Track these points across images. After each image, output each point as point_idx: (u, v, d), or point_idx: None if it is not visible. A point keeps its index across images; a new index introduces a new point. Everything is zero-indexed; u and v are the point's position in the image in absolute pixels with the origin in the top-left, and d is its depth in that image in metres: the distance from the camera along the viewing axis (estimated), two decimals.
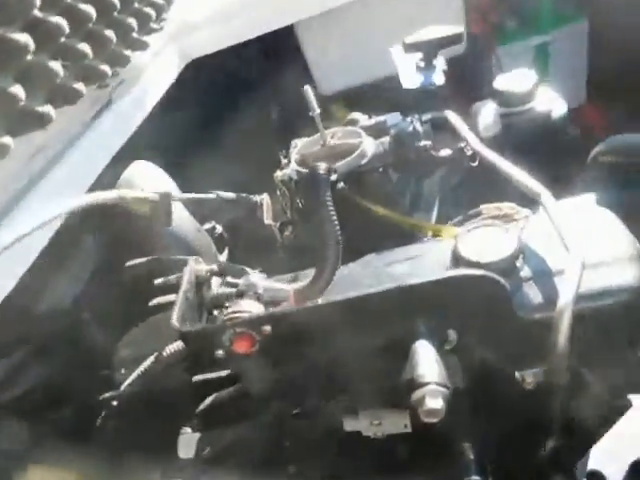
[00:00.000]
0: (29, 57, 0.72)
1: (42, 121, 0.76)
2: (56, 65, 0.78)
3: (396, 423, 0.60)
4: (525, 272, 0.69)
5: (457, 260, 0.71)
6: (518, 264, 0.69)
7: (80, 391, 0.93)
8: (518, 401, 0.63)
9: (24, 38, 0.70)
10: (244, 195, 1.19)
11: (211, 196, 1.10)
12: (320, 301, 0.61)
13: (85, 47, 0.88)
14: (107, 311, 1.08)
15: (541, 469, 0.67)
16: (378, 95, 1.75)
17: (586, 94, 1.83)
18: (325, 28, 1.89)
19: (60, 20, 0.81)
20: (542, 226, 0.76)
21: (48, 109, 0.77)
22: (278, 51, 1.98)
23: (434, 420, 0.50)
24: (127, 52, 1.10)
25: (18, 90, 0.68)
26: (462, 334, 0.60)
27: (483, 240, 0.73)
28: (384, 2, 1.81)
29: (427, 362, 0.53)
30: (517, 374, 0.62)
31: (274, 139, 1.84)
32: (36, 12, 0.76)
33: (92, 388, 0.78)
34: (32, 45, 0.71)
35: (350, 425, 0.62)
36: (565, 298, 0.58)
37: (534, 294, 0.66)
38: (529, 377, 0.63)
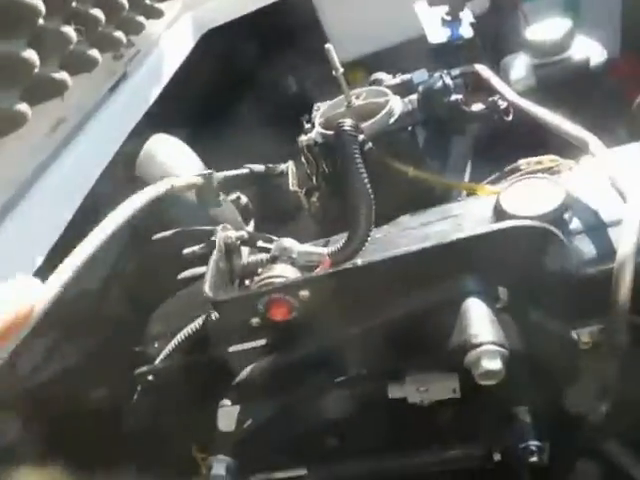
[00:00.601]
0: (40, 21, 0.69)
1: (59, 88, 0.74)
2: (69, 30, 0.75)
3: (444, 388, 0.57)
4: (575, 225, 0.65)
5: (500, 216, 0.67)
6: (566, 217, 0.65)
7: (114, 369, 0.92)
8: (574, 362, 0.59)
9: (35, 1, 0.67)
10: (270, 165, 1.16)
11: (245, 171, 1.08)
12: (359, 262, 0.57)
13: (97, 12, 0.84)
14: (138, 286, 1.06)
15: (595, 434, 0.64)
16: (400, 59, 1.69)
17: (620, 47, 1.74)
18: None
19: None
20: (589, 177, 0.72)
21: (64, 76, 0.74)
22: (295, 19, 1.92)
23: (491, 383, 0.47)
24: (141, 19, 1.06)
25: (31, 55, 0.65)
26: (513, 292, 0.56)
27: (527, 194, 0.68)
28: None
29: (481, 321, 0.49)
30: (573, 333, 0.58)
31: (292, 108, 1.80)
32: None
33: (126, 365, 0.76)
34: (43, 9, 0.68)
35: (395, 392, 0.59)
36: (625, 249, 0.54)
37: (588, 247, 0.62)
38: (585, 336, 0.59)
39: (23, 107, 0.66)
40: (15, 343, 0.42)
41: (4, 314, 0.40)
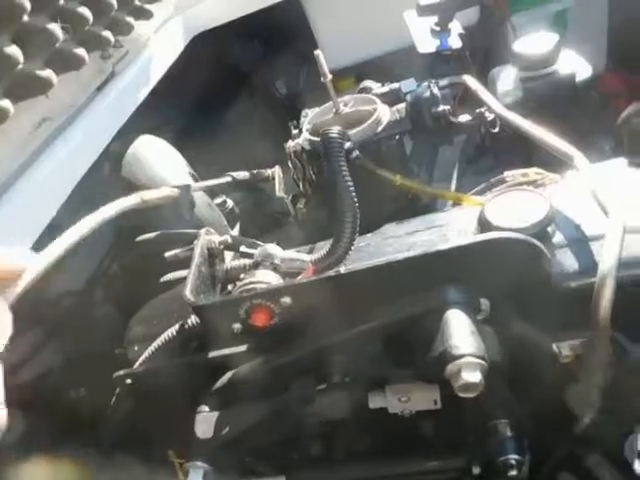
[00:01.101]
0: (26, 18, 0.68)
1: (43, 86, 0.72)
2: (55, 27, 0.74)
3: (425, 399, 0.57)
4: (558, 238, 0.65)
5: (484, 227, 0.67)
6: (550, 230, 0.65)
7: (94, 370, 0.91)
8: (555, 375, 0.59)
9: None
10: (255, 171, 1.15)
11: (227, 179, 1.06)
12: (342, 270, 0.57)
13: (85, 11, 0.83)
14: (120, 289, 1.05)
15: (578, 446, 0.64)
16: (388, 68, 1.70)
17: (606, 62, 1.76)
18: (333, 1, 1.83)
19: None
20: (573, 191, 0.72)
21: (48, 74, 0.73)
22: (286, 25, 1.92)
23: (471, 395, 0.47)
24: (130, 19, 1.05)
25: (15, 51, 0.64)
26: (495, 303, 0.56)
27: (511, 206, 0.68)
28: None
29: (461, 332, 0.49)
30: (554, 346, 0.58)
31: (280, 114, 1.79)
32: None
33: (106, 367, 0.75)
34: (28, 5, 0.67)
35: (376, 402, 0.59)
36: (607, 263, 0.54)
37: (570, 261, 0.62)
38: (566, 349, 0.59)
39: (5, 103, 0.65)
40: None
41: None
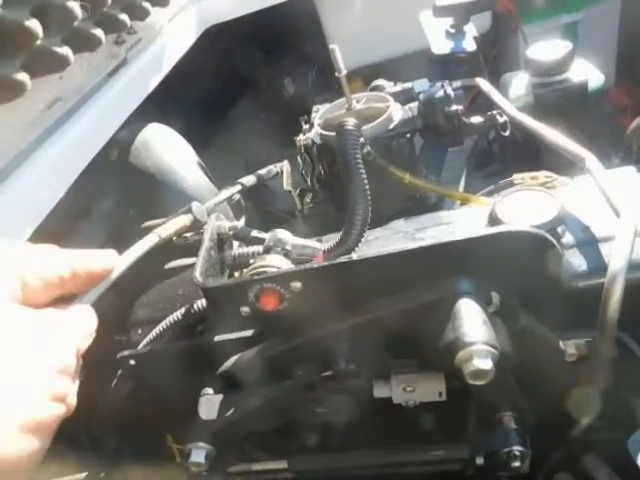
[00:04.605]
0: None
1: (60, 63, 0.72)
2: (74, 5, 0.74)
3: (431, 390, 0.56)
4: (568, 238, 0.65)
5: (495, 224, 0.67)
6: (560, 230, 0.65)
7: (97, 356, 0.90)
8: (559, 373, 0.59)
9: None
10: (263, 172, 1.14)
11: (237, 187, 1.06)
12: (354, 257, 0.57)
13: None
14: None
15: (577, 446, 0.64)
16: (399, 71, 1.71)
17: (614, 76, 1.78)
18: (346, 0, 1.83)
19: None
20: (583, 193, 0.72)
21: (66, 51, 0.73)
22: (298, 23, 1.92)
23: (481, 383, 0.47)
24: (146, 5, 1.05)
25: (35, 24, 0.64)
26: (505, 297, 0.56)
27: (522, 205, 0.69)
28: None
29: (473, 320, 0.49)
30: (561, 344, 0.59)
31: (287, 112, 1.80)
32: None
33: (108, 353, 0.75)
34: None
35: (380, 391, 0.58)
36: (617, 264, 0.54)
37: (579, 261, 0.62)
38: (572, 348, 0.60)
39: (23, 77, 0.65)
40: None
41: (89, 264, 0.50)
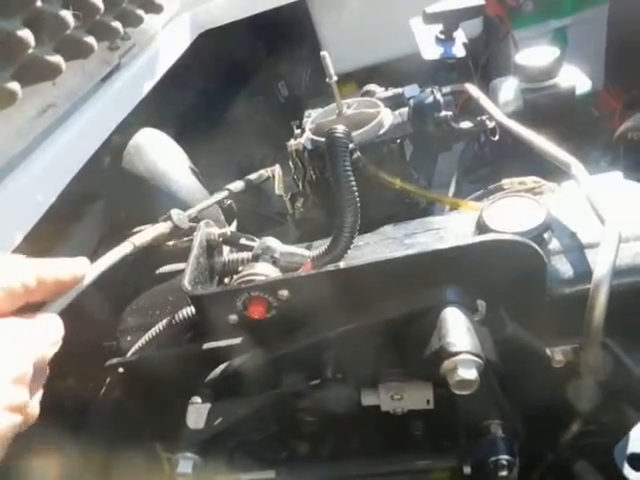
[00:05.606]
0: (39, 3, 0.68)
1: (52, 71, 0.73)
2: (67, 14, 0.74)
3: (418, 398, 0.57)
4: (554, 245, 0.66)
5: (482, 230, 0.68)
6: (546, 236, 0.66)
7: (83, 362, 0.90)
8: (547, 379, 0.59)
9: None
10: (254, 176, 1.14)
11: (224, 193, 1.06)
12: (342, 265, 0.57)
13: (96, 0, 0.84)
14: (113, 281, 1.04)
15: (567, 452, 0.64)
16: (391, 75, 1.71)
17: (603, 80, 1.79)
18: (339, 5, 1.84)
19: None
20: (570, 199, 0.73)
21: (58, 60, 0.74)
22: (291, 27, 1.93)
23: (466, 392, 0.47)
24: (140, 12, 1.05)
25: (27, 34, 0.64)
26: (490, 305, 0.57)
27: (509, 211, 0.69)
28: None
29: (458, 330, 0.50)
30: (547, 350, 0.59)
31: (281, 115, 1.80)
32: None
33: (97, 359, 0.75)
34: None
35: (368, 399, 0.59)
36: (602, 270, 0.55)
37: (565, 267, 0.63)
38: (558, 355, 0.60)
39: (14, 86, 0.65)
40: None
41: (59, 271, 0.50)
